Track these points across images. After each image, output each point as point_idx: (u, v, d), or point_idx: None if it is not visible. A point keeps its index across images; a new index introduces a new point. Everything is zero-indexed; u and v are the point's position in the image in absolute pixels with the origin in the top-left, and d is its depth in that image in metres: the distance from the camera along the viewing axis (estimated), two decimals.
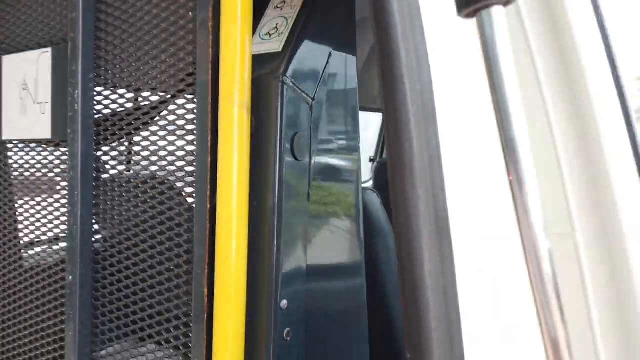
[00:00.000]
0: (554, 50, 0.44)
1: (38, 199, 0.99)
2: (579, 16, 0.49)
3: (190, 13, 0.70)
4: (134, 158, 0.81)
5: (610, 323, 0.42)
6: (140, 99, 0.85)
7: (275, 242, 0.64)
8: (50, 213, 0.94)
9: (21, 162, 0.98)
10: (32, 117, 0.91)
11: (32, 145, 0.95)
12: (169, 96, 0.80)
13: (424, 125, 0.40)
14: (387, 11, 0.38)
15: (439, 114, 0.41)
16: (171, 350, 0.75)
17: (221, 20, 0.65)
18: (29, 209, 0.99)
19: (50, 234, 1.00)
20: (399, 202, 0.38)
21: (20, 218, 1.04)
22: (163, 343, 0.75)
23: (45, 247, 1.05)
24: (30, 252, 1.05)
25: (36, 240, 1.03)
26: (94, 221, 0.86)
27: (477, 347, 0.42)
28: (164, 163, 0.78)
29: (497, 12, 0.33)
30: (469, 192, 0.45)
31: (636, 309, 0.41)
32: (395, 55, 0.38)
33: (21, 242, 1.06)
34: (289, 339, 0.65)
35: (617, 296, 0.42)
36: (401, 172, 0.38)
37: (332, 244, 0.76)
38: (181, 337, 0.71)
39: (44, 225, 0.97)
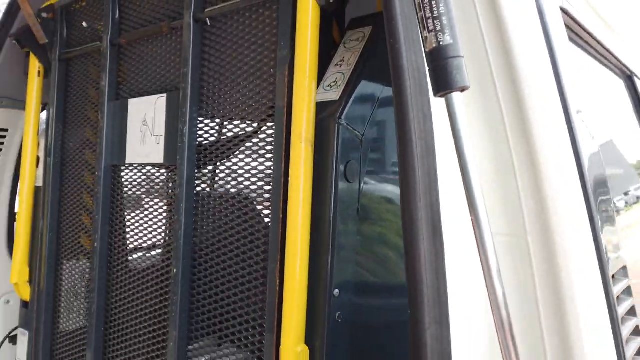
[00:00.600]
0: (519, 114, 0.60)
1: (147, 212, 1.25)
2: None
3: (273, 54, 0.93)
4: (226, 179, 1.04)
5: (550, 300, 0.57)
6: (229, 132, 1.09)
7: (330, 245, 0.83)
8: (160, 221, 1.20)
9: (139, 180, 1.25)
10: (149, 146, 1.18)
11: (148, 167, 1.22)
12: (254, 125, 1.02)
13: (427, 159, 0.57)
14: (404, 86, 0.57)
15: (438, 151, 0.59)
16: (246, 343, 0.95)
17: (294, 77, 0.87)
18: (141, 219, 1.26)
19: (150, 242, 1.26)
20: (406, 209, 0.56)
21: (129, 227, 1.31)
22: (237, 335, 0.95)
23: (145, 252, 1.32)
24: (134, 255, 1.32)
25: (141, 245, 1.29)
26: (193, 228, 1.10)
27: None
28: (248, 183, 1.00)
29: (457, 96, 0.51)
30: (455, 204, 0.62)
31: (568, 290, 0.55)
32: (407, 113, 0.57)
33: (128, 247, 1.33)
34: (340, 320, 0.84)
35: (555, 280, 0.56)
36: (408, 189, 0.56)
37: (377, 249, 0.94)
38: (257, 328, 0.92)
39: (154, 231, 1.23)
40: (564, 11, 0.83)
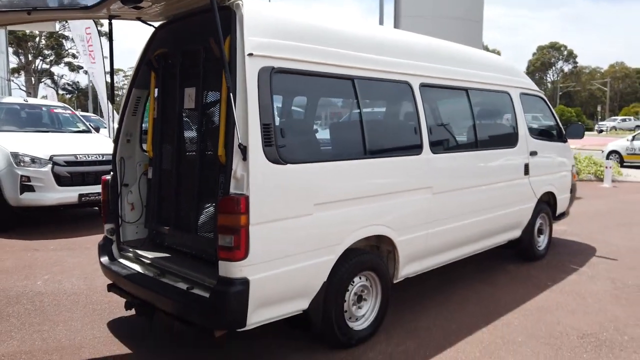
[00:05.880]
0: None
1: (191, 127, 3.96)
2: None
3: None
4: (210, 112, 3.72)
5: None
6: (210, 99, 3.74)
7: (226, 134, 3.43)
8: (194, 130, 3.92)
9: (186, 114, 3.97)
10: (190, 103, 3.86)
11: (190, 110, 3.92)
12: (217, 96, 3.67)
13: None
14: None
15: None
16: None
17: (222, 82, 3.49)
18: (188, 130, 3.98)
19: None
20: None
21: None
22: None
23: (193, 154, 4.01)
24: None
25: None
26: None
27: None
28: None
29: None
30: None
31: None
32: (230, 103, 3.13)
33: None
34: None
35: None
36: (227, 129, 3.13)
37: None
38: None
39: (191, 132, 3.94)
40: (282, 70, 3.33)
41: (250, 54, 3.18)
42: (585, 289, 5.30)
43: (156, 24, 4.20)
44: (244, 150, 3.09)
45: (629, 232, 8.10)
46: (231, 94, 3.06)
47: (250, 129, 3.12)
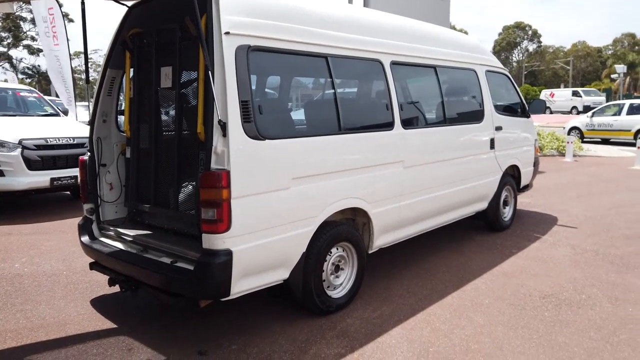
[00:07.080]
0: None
1: (166, 105, 4.02)
2: None
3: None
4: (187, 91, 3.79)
5: None
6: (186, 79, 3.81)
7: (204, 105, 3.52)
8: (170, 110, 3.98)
9: (163, 93, 4.02)
10: (168, 82, 3.92)
11: (167, 88, 3.97)
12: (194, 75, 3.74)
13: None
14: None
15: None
16: None
17: (199, 64, 3.57)
18: (165, 110, 4.03)
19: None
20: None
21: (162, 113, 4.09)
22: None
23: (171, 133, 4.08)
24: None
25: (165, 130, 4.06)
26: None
27: None
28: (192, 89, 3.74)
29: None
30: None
31: None
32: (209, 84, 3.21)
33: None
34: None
35: None
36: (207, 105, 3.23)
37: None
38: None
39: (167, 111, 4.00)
40: (258, 48, 3.43)
41: (227, 33, 3.26)
42: (547, 255, 5.64)
43: (129, 3, 4.20)
44: (223, 126, 3.19)
45: (587, 202, 8.56)
46: (210, 72, 3.15)
47: (229, 106, 3.21)
